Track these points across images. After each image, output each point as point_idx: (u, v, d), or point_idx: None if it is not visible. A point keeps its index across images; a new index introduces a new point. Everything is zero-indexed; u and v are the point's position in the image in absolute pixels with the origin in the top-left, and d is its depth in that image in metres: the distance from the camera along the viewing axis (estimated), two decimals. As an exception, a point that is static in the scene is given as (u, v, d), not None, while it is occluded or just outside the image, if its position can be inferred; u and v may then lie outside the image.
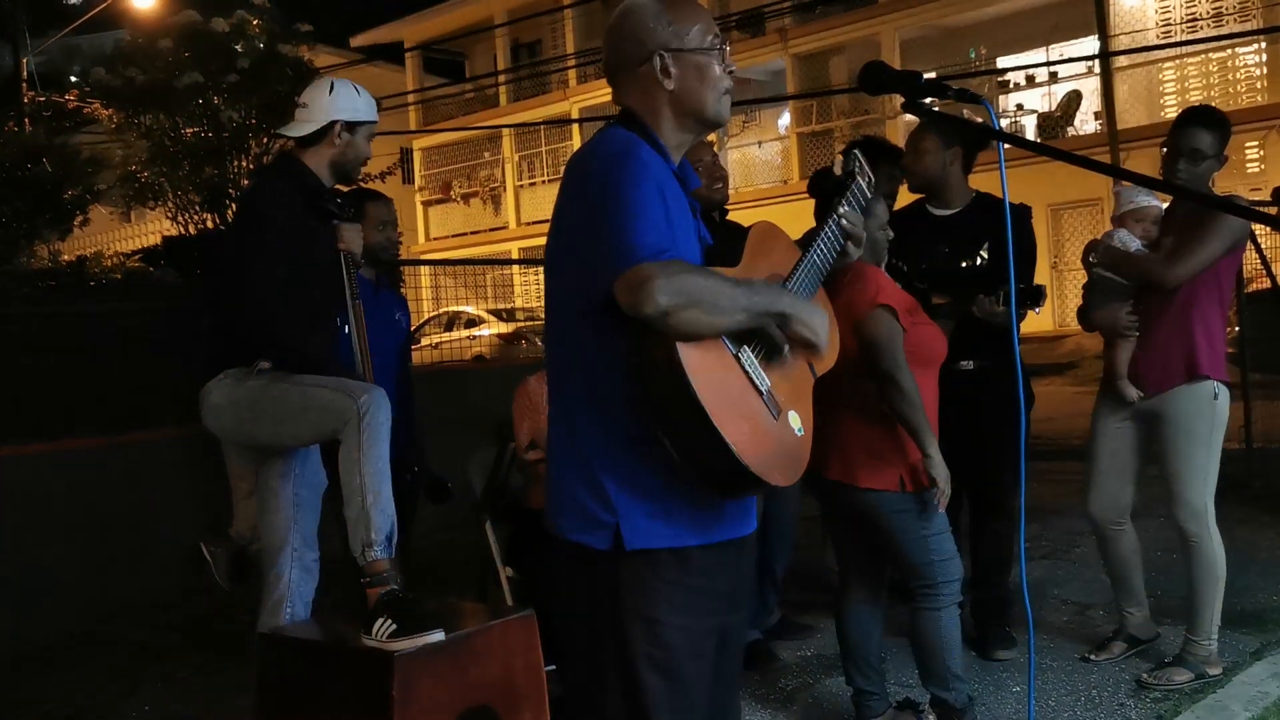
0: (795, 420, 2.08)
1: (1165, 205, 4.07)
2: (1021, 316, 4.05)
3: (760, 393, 2.00)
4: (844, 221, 2.34)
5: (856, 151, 2.50)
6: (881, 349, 3.19)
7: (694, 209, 2.17)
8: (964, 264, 4.07)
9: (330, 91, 3.36)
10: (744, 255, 2.14)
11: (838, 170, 2.53)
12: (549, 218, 2.15)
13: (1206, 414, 3.80)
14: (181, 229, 7.85)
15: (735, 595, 2.20)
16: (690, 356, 1.89)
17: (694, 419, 1.87)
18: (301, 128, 3.35)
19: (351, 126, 3.35)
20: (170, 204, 7.83)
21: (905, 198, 4.49)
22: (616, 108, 2.21)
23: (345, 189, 3.79)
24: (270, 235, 3.16)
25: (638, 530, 2.01)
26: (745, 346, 2.00)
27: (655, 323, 1.88)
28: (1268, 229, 7.07)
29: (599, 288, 1.93)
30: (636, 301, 1.87)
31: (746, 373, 1.99)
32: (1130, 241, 3.96)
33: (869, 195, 2.46)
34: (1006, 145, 2.03)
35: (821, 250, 2.29)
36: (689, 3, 2.15)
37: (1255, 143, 17.22)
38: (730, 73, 2.16)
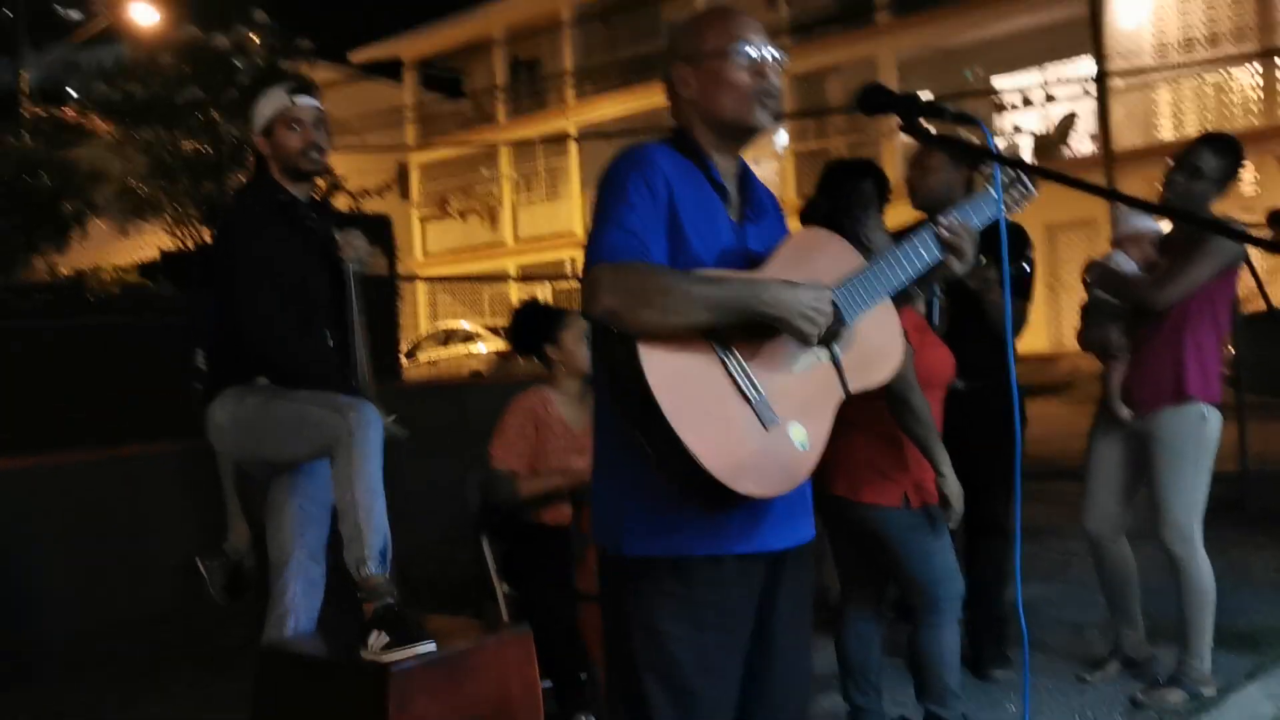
0: (798, 433, 1.94)
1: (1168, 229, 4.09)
2: (1018, 328, 4.06)
3: (748, 399, 1.90)
4: (943, 230, 2.16)
5: (1017, 166, 2.28)
6: None
7: (748, 216, 2.14)
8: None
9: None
10: (771, 261, 2.03)
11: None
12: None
13: (1194, 436, 3.81)
14: (179, 243, 7.87)
15: (771, 606, 2.09)
16: (653, 356, 1.84)
17: (652, 420, 1.82)
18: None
19: (265, 132, 3.37)
20: (168, 218, 7.85)
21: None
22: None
23: (343, 212, 3.80)
24: (249, 254, 3.19)
25: (636, 536, 1.99)
26: (734, 349, 1.92)
27: (606, 324, 1.87)
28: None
29: None
30: (586, 303, 1.90)
31: (732, 376, 1.90)
32: (1125, 263, 4.00)
33: (1009, 207, 2.28)
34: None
35: (897, 260, 2.07)
36: (717, 12, 2.16)
37: (1250, 165, 17.29)
38: (761, 75, 2.09)
